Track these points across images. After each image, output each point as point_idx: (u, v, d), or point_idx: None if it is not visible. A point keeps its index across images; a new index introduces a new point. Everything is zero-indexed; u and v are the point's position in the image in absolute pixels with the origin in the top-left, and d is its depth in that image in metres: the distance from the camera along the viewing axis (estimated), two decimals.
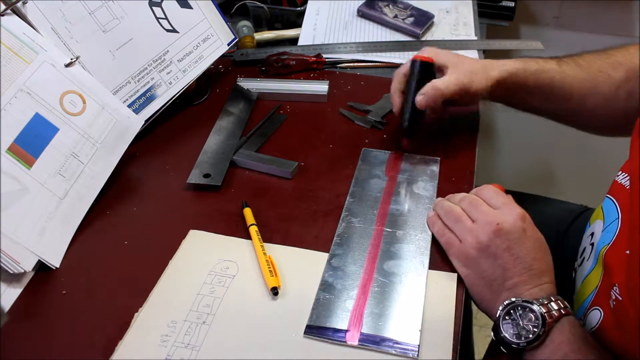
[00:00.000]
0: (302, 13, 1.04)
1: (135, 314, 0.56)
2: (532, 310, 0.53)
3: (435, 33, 1.02)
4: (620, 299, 0.52)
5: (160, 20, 0.80)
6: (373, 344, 0.53)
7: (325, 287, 0.59)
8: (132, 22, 0.77)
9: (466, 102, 0.77)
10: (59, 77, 0.69)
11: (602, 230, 0.61)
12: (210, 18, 0.84)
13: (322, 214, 0.68)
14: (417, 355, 0.52)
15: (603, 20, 1.33)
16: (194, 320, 0.56)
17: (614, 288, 0.53)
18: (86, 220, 0.67)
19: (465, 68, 0.72)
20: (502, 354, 0.55)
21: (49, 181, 0.64)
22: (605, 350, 0.53)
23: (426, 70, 0.72)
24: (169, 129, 0.81)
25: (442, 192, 0.70)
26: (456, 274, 0.60)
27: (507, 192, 0.64)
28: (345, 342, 0.53)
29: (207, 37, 0.84)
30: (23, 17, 0.68)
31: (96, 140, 0.70)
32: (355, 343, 0.53)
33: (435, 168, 0.73)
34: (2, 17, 0.66)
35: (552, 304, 0.54)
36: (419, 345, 0.53)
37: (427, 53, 0.73)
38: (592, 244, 0.63)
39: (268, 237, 0.64)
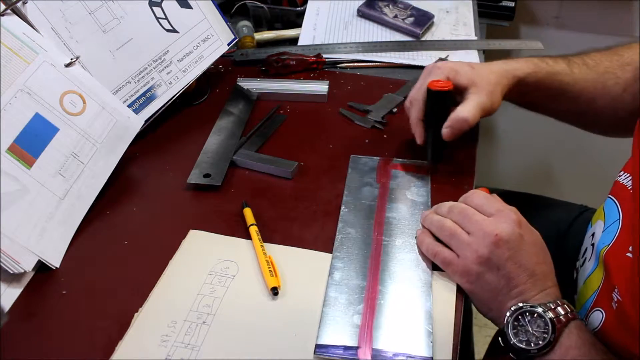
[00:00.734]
0: (302, 13, 1.04)
1: (135, 314, 0.56)
2: (541, 316, 0.53)
3: (435, 33, 1.02)
4: (621, 300, 0.52)
5: (160, 20, 0.80)
6: (386, 359, 0.52)
7: (330, 302, 0.57)
8: (132, 22, 0.77)
9: None
10: (59, 77, 0.69)
11: (602, 231, 0.61)
12: (210, 18, 0.84)
13: (322, 214, 0.68)
14: None
15: (603, 20, 1.33)
16: (194, 320, 0.56)
17: (615, 290, 0.53)
18: (86, 220, 0.67)
19: (484, 86, 0.69)
20: (502, 354, 0.55)
21: (49, 181, 0.64)
22: (612, 354, 0.53)
23: (445, 97, 0.69)
24: (169, 129, 0.81)
25: (442, 192, 0.70)
26: None
27: (506, 192, 0.63)
28: (357, 359, 0.52)
29: (207, 37, 0.84)
30: (23, 17, 0.68)
31: (96, 140, 0.70)
32: (368, 359, 0.52)
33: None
34: (2, 17, 0.66)
35: (559, 308, 0.53)
36: (432, 358, 0.52)
37: (442, 74, 0.69)
38: (593, 245, 0.63)
39: (268, 237, 0.64)
